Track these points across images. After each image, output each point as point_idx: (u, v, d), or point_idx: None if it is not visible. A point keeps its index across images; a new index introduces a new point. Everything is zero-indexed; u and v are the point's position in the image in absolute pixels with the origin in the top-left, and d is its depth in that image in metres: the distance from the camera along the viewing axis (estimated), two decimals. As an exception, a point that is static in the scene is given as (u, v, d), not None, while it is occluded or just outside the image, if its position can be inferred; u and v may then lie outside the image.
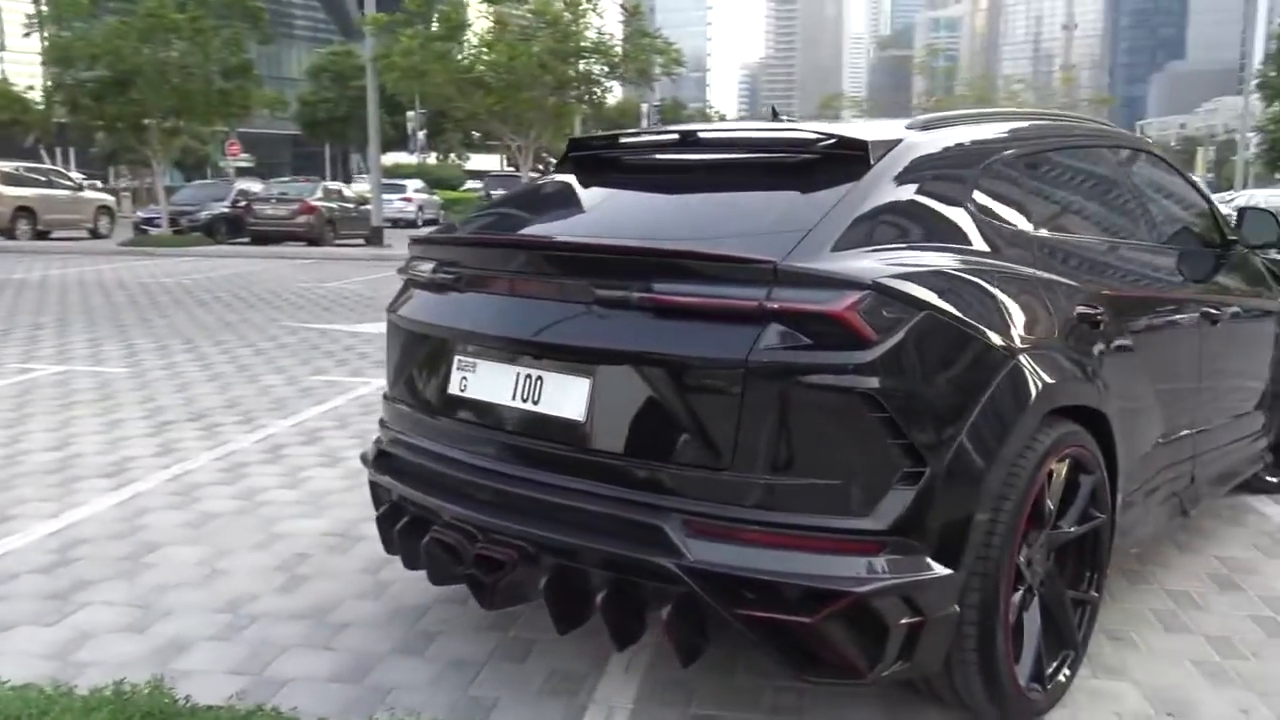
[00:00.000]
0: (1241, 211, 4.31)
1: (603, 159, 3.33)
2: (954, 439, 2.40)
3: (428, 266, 3.01)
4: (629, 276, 2.48)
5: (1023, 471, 2.53)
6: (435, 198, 34.09)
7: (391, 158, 43.70)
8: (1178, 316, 3.51)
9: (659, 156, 3.21)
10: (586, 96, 21.24)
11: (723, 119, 76.75)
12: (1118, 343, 3.04)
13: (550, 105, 20.45)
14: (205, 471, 5.10)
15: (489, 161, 54.58)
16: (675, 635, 2.43)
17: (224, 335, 9.59)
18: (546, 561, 2.57)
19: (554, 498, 2.55)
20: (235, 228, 23.18)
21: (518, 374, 2.68)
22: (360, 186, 31.67)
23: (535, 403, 2.64)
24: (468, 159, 52.26)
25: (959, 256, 2.64)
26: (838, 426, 2.33)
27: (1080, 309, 2.90)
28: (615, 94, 24.34)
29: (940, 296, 2.45)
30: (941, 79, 76.74)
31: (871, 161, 2.71)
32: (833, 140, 2.81)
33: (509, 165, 50.55)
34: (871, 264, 2.44)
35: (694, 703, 2.86)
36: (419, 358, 3.04)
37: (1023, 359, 2.58)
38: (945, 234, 2.71)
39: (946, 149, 2.92)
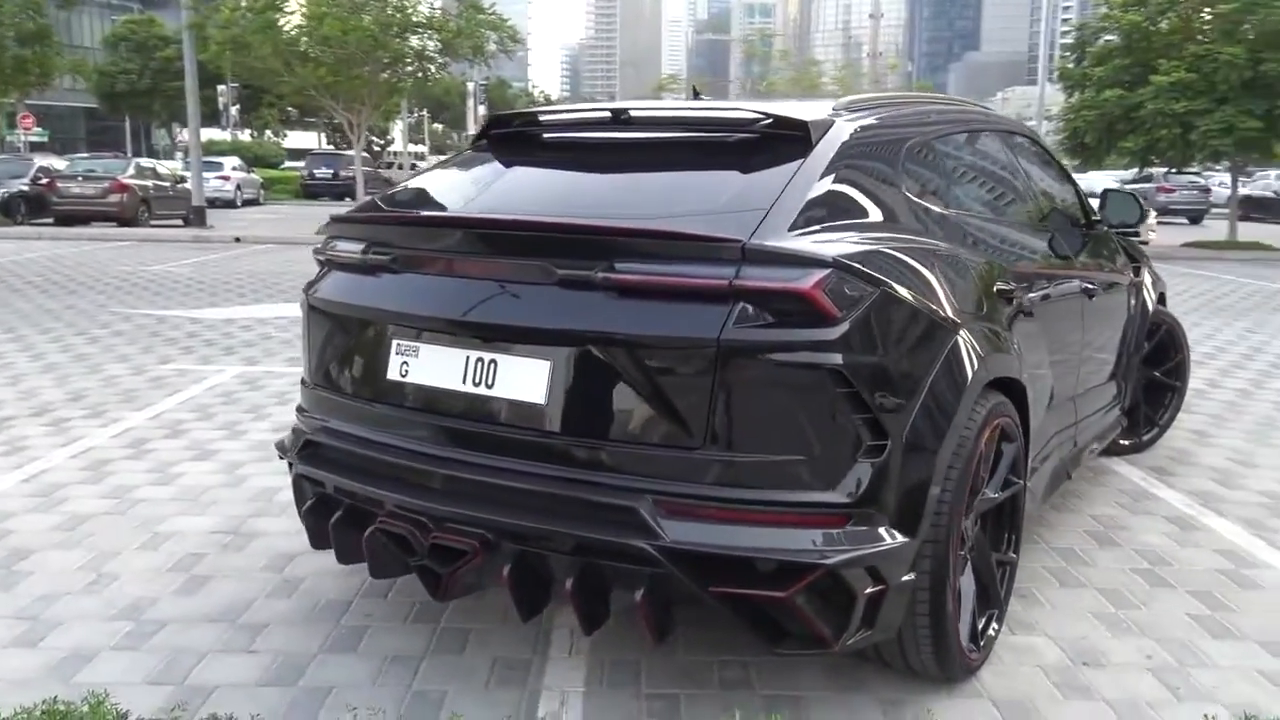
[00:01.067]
0: (1105, 193, 4.62)
1: (529, 137, 3.26)
2: (911, 412, 2.47)
3: (353, 247, 2.88)
4: (591, 256, 2.45)
5: (968, 441, 2.64)
6: (254, 176, 32.54)
7: (203, 134, 41.41)
8: (1066, 291, 3.73)
9: (591, 135, 3.17)
10: (420, 73, 20.71)
11: (548, 100, 76.26)
12: (1025, 316, 3.21)
13: (382, 82, 19.85)
14: (64, 470, 4.74)
15: (307, 139, 52.49)
16: (649, 616, 2.42)
17: (50, 323, 8.90)
18: (509, 549, 2.51)
19: (516, 483, 2.49)
20: (37, 207, 21.49)
21: (467, 358, 2.60)
22: (171, 164, 29.90)
23: (489, 386, 2.57)
24: (285, 136, 50.08)
25: (897, 236, 2.72)
26: (806, 402, 2.36)
27: (999, 285, 3.04)
28: (449, 71, 23.79)
29: (891, 275, 2.52)
30: (764, 62, 78.65)
31: (813, 142, 2.76)
32: (770, 120, 2.84)
33: (328, 143, 48.81)
34: (828, 243, 2.48)
35: (644, 682, 2.86)
36: (348, 343, 2.90)
37: (962, 334, 2.69)
38: (883, 214, 2.78)
39: (875, 132, 3.00)
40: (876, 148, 2.94)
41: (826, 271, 2.37)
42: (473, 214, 2.84)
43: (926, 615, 2.60)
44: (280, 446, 3.14)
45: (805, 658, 2.95)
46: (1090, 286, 3.98)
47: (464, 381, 2.59)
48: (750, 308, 2.34)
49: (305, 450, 2.93)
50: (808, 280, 2.35)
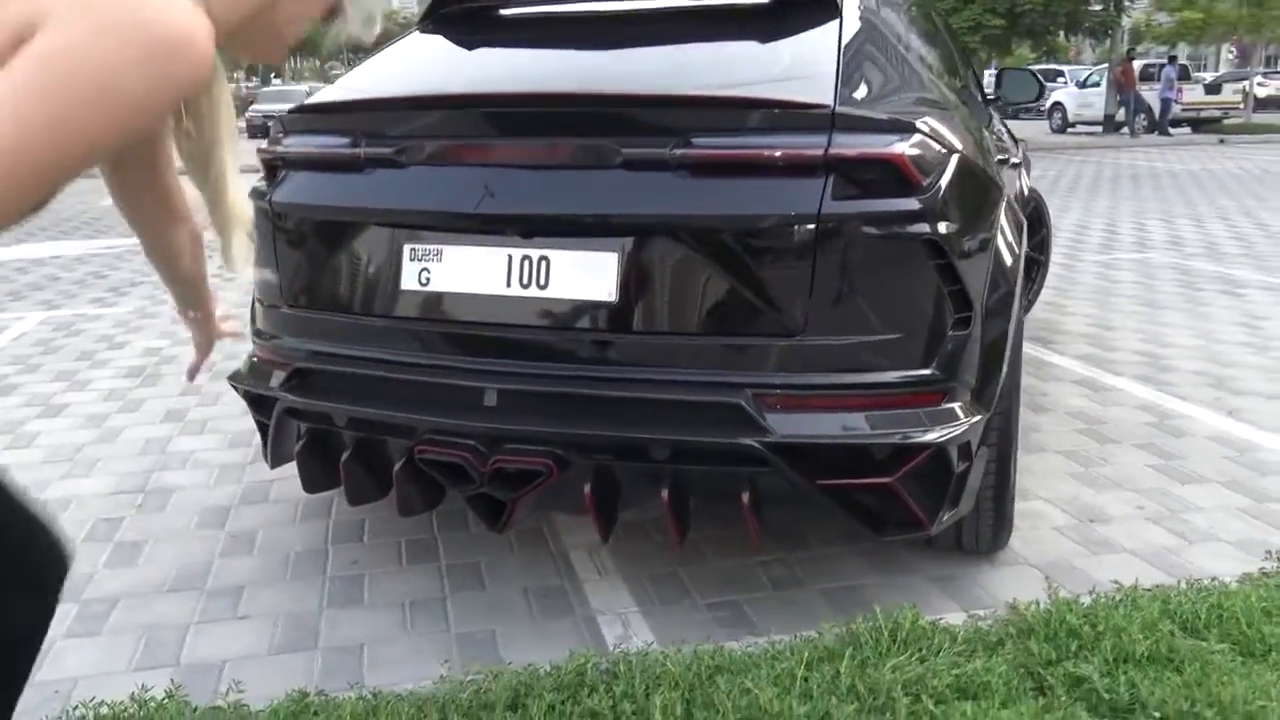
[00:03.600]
0: (1001, 71, 4.70)
1: (502, 16, 2.90)
2: (986, 279, 2.40)
3: (334, 140, 2.48)
4: (661, 131, 2.19)
5: (1020, 309, 2.61)
6: None
7: None
8: (1010, 159, 3.77)
9: (594, 7, 2.85)
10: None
11: None
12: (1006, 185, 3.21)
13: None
14: (-117, 443, 3.97)
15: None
16: (756, 517, 2.26)
17: None
18: (589, 464, 2.27)
19: (592, 390, 2.24)
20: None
21: (510, 257, 2.29)
22: None
23: (542, 287, 2.28)
24: None
25: (937, 99, 2.61)
26: (903, 276, 2.24)
27: (998, 151, 3.01)
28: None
29: (959, 139, 2.42)
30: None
31: (840, 6, 2.59)
32: (789, -16, 2.65)
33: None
34: (898, 108, 2.34)
35: (695, 593, 2.71)
36: (337, 252, 2.51)
37: (1008, 199, 2.64)
38: (916, 78, 2.67)
39: (882, -3, 2.86)
40: (887, 11, 2.81)
41: (915, 136, 2.24)
42: (505, 89, 2.48)
43: (991, 489, 2.58)
44: (239, 379, 2.71)
45: (847, 549, 2.90)
46: (1004, 158, 4.05)
47: (509, 285, 2.29)
48: (843, 178, 2.18)
49: (295, 380, 2.53)
50: (898, 146, 2.20)
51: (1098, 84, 24.46)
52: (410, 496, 2.44)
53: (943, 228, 2.24)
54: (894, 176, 2.20)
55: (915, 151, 2.22)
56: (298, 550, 3.00)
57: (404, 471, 2.38)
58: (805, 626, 2.47)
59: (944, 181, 2.27)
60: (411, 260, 2.38)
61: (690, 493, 2.31)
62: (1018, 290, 2.54)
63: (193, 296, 1.49)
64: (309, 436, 2.54)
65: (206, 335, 1.60)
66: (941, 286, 2.27)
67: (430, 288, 2.36)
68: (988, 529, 2.67)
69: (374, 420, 2.41)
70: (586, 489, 2.26)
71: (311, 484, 2.60)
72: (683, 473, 2.27)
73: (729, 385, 2.20)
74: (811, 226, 2.15)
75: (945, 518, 2.39)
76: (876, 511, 2.31)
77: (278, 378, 2.57)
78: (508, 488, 2.30)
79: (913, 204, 2.21)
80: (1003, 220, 2.56)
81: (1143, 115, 23.18)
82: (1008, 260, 2.53)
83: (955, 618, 2.48)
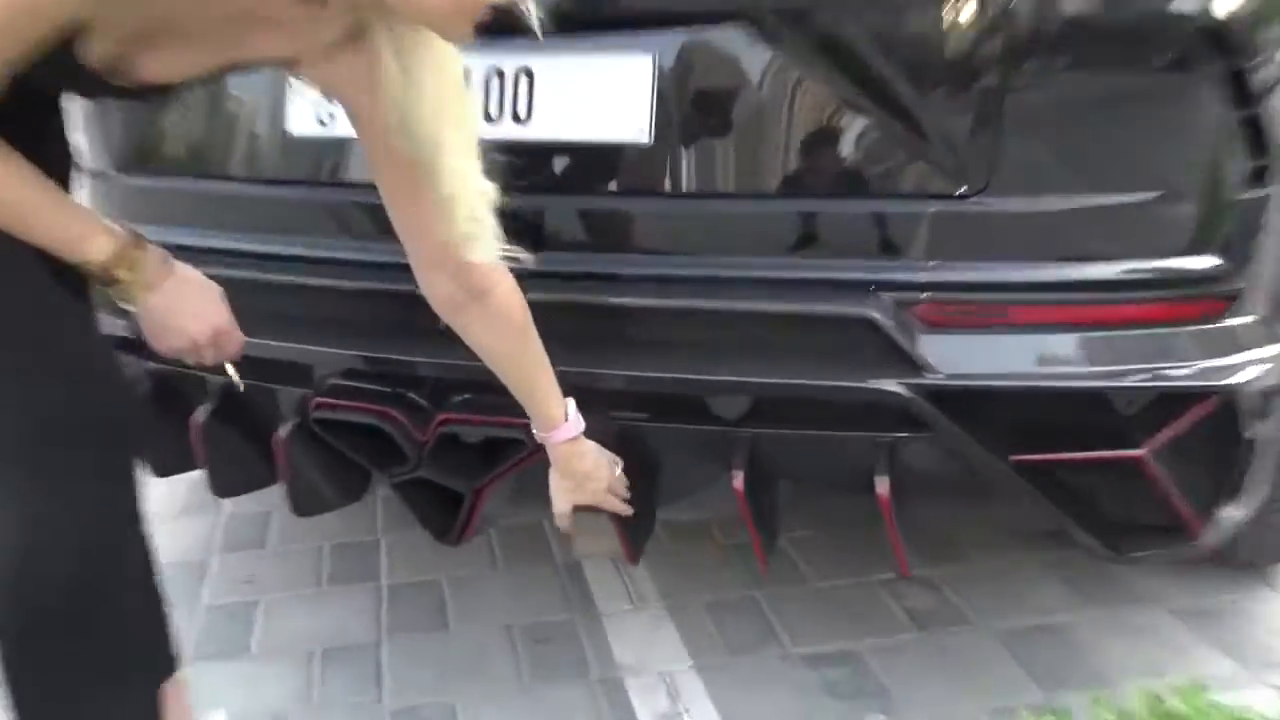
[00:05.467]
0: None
1: None
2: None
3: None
4: None
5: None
6: None
7: None
8: None
9: None
10: None
11: None
12: None
13: None
14: None
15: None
16: (897, 522, 1.63)
17: None
18: (597, 429, 1.65)
19: (609, 299, 1.63)
20: None
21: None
22: None
23: (520, 121, 1.65)
24: None
25: None
26: (1162, 91, 1.58)
27: None
28: None
29: None
30: None
31: None
32: None
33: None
34: None
35: (785, 637, 2.11)
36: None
37: None
38: None
39: None
40: None
41: None
42: None
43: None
44: None
45: (1018, 558, 2.29)
46: None
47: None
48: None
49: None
50: None
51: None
52: (306, 484, 1.83)
53: (1230, 12, 1.57)
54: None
55: None
56: (169, 560, 2.42)
57: (293, 442, 1.76)
58: (975, 698, 1.89)
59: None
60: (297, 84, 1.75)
61: (780, 476, 1.68)
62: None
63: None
64: (153, 384, 1.93)
65: None
66: (1228, 113, 1.60)
67: (335, 132, 1.74)
68: (1277, 535, 2.02)
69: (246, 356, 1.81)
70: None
71: (161, 463, 2.01)
72: (767, 444, 1.64)
73: (848, 287, 1.56)
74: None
75: (1225, 518, 1.73)
76: (1110, 510, 1.68)
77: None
78: (463, 469, 1.69)
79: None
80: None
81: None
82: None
83: (1245, 691, 1.85)
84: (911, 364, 1.52)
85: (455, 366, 1.68)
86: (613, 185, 1.70)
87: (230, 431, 1.89)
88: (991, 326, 1.56)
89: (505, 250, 1.36)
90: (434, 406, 1.69)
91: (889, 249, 1.58)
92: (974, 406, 1.55)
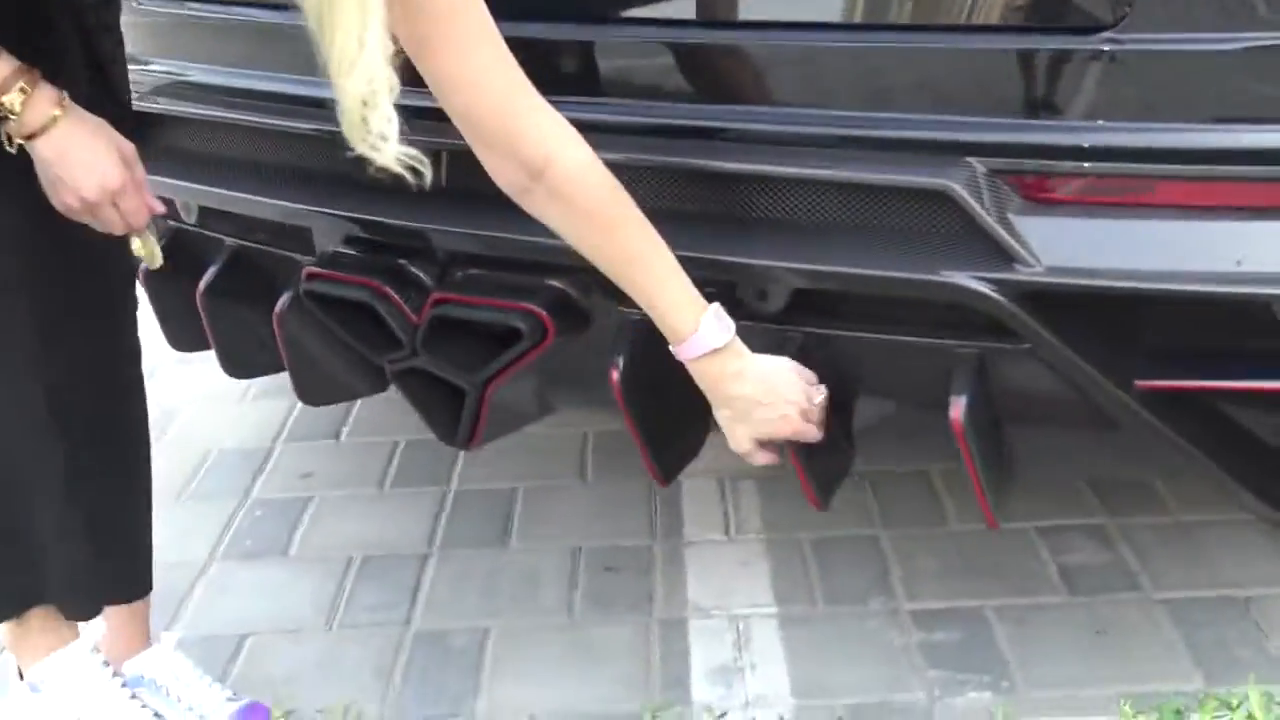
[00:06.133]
0: None
1: None
2: None
3: None
4: None
5: None
6: None
7: None
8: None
9: None
10: None
11: None
12: None
13: None
14: None
15: None
16: (979, 465, 1.37)
17: None
18: (612, 316, 1.46)
19: (634, 155, 1.40)
20: None
21: None
22: None
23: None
24: None
25: None
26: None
27: None
28: None
29: None
30: None
31: None
32: None
33: None
34: None
35: (901, 591, 1.87)
36: None
37: None
38: None
39: None
40: None
41: None
42: None
43: None
44: None
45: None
46: None
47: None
48: None
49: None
50: None
51: None
52: (309, 367, 1.71)
53: None
54: None
55: None
56: (228, 447, 2.39)
57: (289, 318, 1.64)
58: (1115, 683, 1.64)
59: None
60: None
61: (839, 395, 1.44)
62: None
63: None
64: (168, 243, 1.84)
65: None
66: None
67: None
68: None
69: (238, 214, 1.70)
70: (614, 373, 1.44)
71: (175, 336, 1.94)
72: (820, 347, 1.40)
73: (928, 148, 1.30)
74: None
75: None
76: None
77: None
78: (461, 358, 1.52)
79: None
80: None
81: None
82: None
83: None
84: (1003, 254, 1.25)
85: (464, 236, 1.51)
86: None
87: (236, 304, 1.78)
88: (1115, 207, 1.27)
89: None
90: (433, 283, 1.52)
91: (985, 105, 1.31)
92: (1085, 313, 1.27)
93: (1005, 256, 1.25)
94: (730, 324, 1.31)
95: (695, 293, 1.30)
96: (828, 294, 1.38)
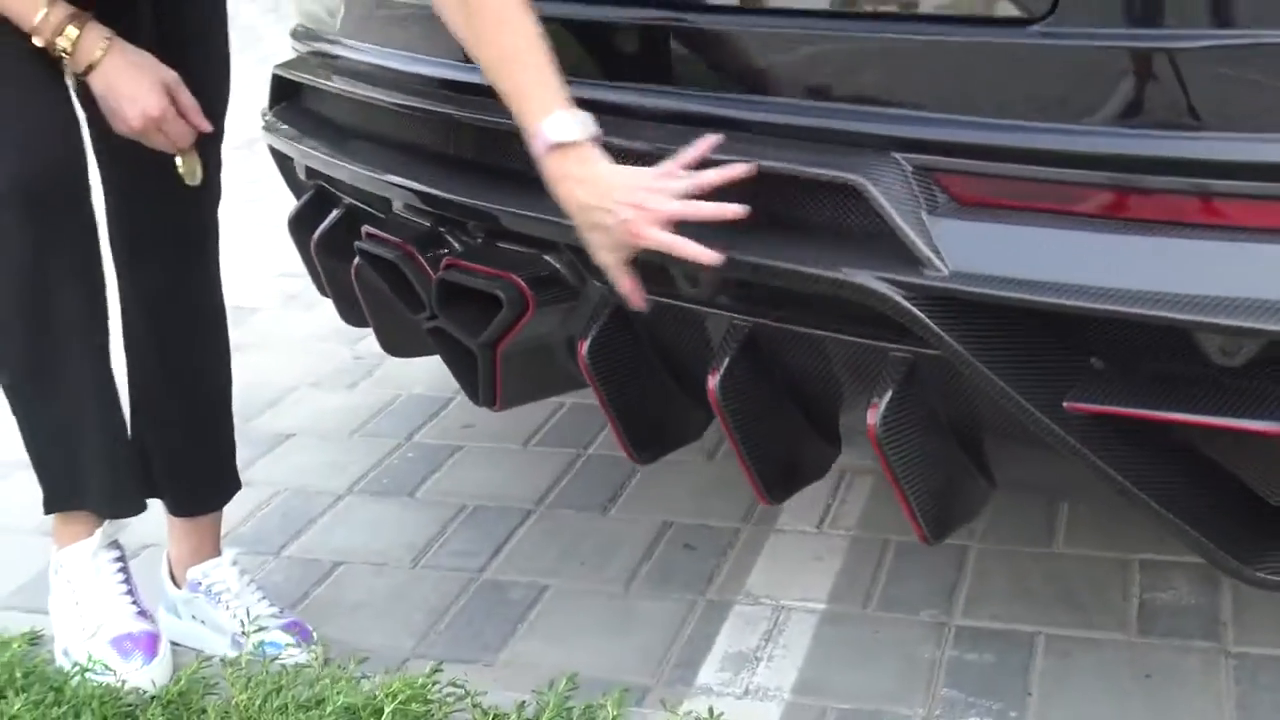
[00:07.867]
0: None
1: None
2: None
3: None
4: None
5: None
6: None
7: None
8: None
9: None
10: None
11: None
12: None
13: None
14: None
15: None
16: (901, 483, 1.31)
17: None
18: (591, 290, 1.48)
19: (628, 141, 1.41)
20: None
21: None
22: None
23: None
24: None
25: None
26: None
27: None
28: None
29: None
30: None
31: None
32: None
33: None
34: None
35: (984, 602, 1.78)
36: None
37: None
38: None
39: None
40: None
41: None
42: None
43: None
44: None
45: None
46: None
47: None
48: None
49: (282, 107, 2.03)
50: None
51: None
52: (382, 321, 1.82)
53: None
54: None
55: None
56: (416, 393, 2.56)
57: (360, 273, 1.76)
58: None
59: None
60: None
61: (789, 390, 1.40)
62: None
63: None
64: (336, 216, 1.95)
65: None
66: None
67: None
68: None
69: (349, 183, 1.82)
70: (582, 348, 1.46)
71: (346, 309, 2.03)
72: (761, 337, 1.38)
73: (853, 141, 1.25)
74: None
75: None
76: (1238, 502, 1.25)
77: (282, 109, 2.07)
78: (467, 322, 1.59)
79: None
80: None
81: None
82: None
83: None
84: (906, 253, 1.19)
85: (487, 210, 1.57)
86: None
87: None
88: (1044, 213, 1.18)
89: None
90: (448, 250, 1.60)
91: (907, 96, 1.24)
92: (1008, 324, 1.19)
93: (910, 257, 1.19)
94: (591, 127, 1.28)
95: (563, 94, 1.29)
96: (759, 284, 1.35)
